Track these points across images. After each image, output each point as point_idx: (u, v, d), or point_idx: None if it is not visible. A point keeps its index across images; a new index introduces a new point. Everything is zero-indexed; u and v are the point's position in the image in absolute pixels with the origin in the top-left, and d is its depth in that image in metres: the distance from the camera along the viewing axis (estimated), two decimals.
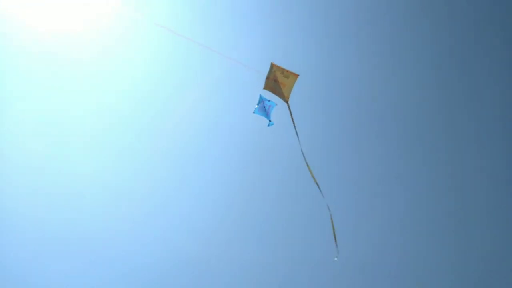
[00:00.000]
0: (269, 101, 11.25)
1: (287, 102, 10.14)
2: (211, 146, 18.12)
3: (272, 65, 9.96)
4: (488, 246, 16.79)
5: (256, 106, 11.25)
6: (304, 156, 10.18)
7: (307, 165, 10.26)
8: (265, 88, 10.25)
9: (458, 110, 17.59)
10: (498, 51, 17.24)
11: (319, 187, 10.18)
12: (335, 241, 10.01)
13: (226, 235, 17.37)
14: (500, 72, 17.18)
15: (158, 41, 17.34)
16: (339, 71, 17.35)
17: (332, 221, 10.10)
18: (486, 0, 17.24)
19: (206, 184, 18.13)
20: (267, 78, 10.01)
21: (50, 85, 17.09)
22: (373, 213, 17.61)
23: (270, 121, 11.33)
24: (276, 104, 11.11)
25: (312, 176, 10.22)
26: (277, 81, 10.04)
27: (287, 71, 9.86)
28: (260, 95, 11.33)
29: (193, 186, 18.00)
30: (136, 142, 17.63)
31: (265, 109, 11.21)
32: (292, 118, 10.24)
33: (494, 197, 17.22)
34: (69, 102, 17.24)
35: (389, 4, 17.45)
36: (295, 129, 10.25)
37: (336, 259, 10.00)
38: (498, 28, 17.18)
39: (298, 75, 9.86)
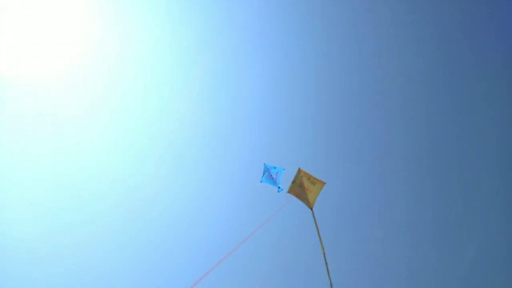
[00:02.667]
0: (275, 168, 11.49)
1: (311, 208, 9.98)
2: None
3: (299, 170, 10.25)
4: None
5: (262, 175, 11.49)
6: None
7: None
8: (289, 192, 10.37)
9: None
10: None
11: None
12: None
13: None
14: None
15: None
16: None
17: None
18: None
19: None
20: (293, 182, 10.27)
21: None
22: None
23: (279, 187, 11.38)
24: (283, 169, 11.39)
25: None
26: (303, 186, 10.04)
27: (314, 178, 10.07)
28: (264, 164, 11.58)
29: None
30: None
31: (272, 177, 11.39)
32: (316, 225, 10.08)
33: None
34: None
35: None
36: (319, 237, 9.94)
37: None
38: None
39: (325, 183, 10.01)
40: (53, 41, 17.15)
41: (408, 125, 18.46)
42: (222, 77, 18.46)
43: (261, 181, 11.42)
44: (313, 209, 9.88)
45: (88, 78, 17.78)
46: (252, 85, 18.82)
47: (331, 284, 9.75)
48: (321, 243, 9.73)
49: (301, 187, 10.00)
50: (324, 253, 9.70)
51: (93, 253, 17.17)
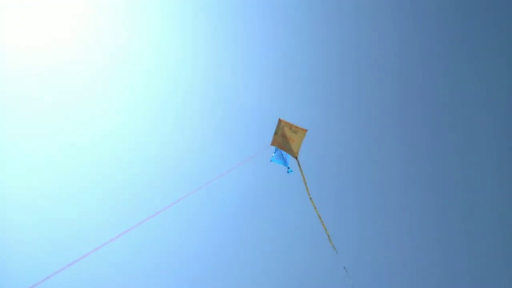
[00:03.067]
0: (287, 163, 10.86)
1: (296, 157, 9.84)
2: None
3: (279, 121, 9.88)
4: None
5: (273, 154, 10.69)
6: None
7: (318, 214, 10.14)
8: (272, 144, 10.02)
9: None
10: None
11: (328, 235, 10.37)
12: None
13: None
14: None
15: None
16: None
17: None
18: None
19: None
20: (275, 133, 9.91)
21: None
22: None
23: (288, 168, 10.66)
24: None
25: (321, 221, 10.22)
26: (285, 137, 9.81)
27: (296, 126, 9.77)
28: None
29: None
30: None
31: (283, 157, 10.66)
32: (302, 173, 10.03)
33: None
34: None
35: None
36: (305, 184, 10.04)
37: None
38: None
39: (306, 130, 9.72)
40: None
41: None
42: None
43: (270, 160, 10.67)
44: (298, 158, 9.69)
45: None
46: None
47: (328, 236, 10.15)
48: (308, 193, 9.99)
49: (283, 138, 9.79)
50: (313, 205, 9.91)
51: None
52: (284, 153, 10.52)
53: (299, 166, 9.88)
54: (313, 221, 10.49)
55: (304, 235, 17.49)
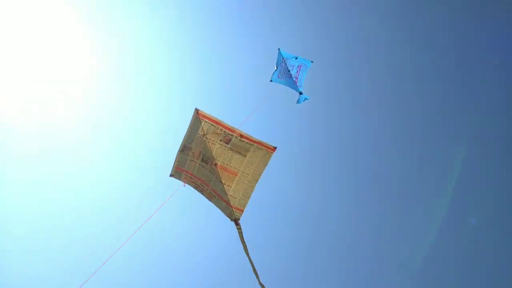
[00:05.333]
0: (296, 58, 7.17)
1: (234, 220, 5.25)
2: None
3: (197, 114, 4.80)
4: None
5: (275, 68, 6.98)
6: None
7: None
8: (183, 180, 5.15)
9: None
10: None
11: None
12: None
13: None
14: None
15: None
16: None
17: None
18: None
19: None
20: (183, 150, 5.12)
21: None
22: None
23: (301, 93, 6.96)
24: (312, 62, 7.13)
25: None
26: (211, 160, 5.01)
27: (247, 136, 4.89)
28: (279, 49, 7.16)
29: None
30: None
31: (290, 74, 6.84)
32: (246, 250, 5.49)
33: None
34: None
35: None
36: (253, 269, 5.52)
37: None
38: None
39: (274, 149, 4.99)
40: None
41: None
42: None
43: (270, 80, 7.31)
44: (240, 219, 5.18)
45: None
46: None
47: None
48: (258, 279, 5.49)
49: (206, 163, 4.89)
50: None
51: None
52: (291, 66, 7.02)
53: (241, 236, 5.22)
54: None
55: None
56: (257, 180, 4.89)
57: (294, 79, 7.02)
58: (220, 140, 4.64)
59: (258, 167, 4.91)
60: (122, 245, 5.14)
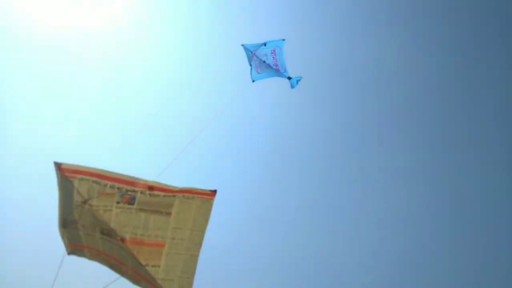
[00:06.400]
0: (265, 45, 6.23)
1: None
2: None
3: (59, 169, 3.31)
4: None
5: (250, 66, 6.27)
6: None
7: None
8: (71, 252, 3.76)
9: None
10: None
11: None
12: None
13: None
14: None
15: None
16: None
17: None
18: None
19: None
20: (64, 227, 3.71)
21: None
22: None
23: (289, 78, 6.22)
24: (284, 40, 6.12)
25: None
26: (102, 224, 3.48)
27: (163, 187, 3.63)
28: (242, 45, 6.38)
29: None
30: None
31: (268, 64, 6.12)
32: None
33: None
34: None
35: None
36: None
37: None
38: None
39: (213, 196, 3.54)
40: None
41: None
42: None
43: (252, 80, 6.47)
44: None
45: None
46: None
47: None
48: None
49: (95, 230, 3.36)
50: None
51: None
52: (263, 54, 6.19)
53: None
54: None
55: None
56: (200, 244, 3.33)
57: (274, 67, 6.15)
58: (117, 202, 2.92)
59: (195, 225, 3.30)
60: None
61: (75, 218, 3.04)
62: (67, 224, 3.18)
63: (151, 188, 3.04)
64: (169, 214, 3.09)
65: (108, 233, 3.04)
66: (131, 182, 3.10)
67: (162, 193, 3.09)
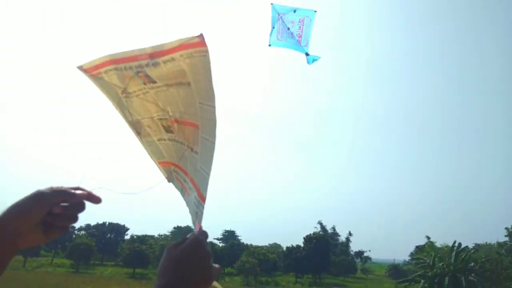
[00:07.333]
0: (295, 11, 5.80)
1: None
2: None
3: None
4: None
5: (272, 28, 5.82)
6: None
7: None
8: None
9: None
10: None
11: None
12: None
13: None
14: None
15: None
16: None
17: None
18: None
19: None
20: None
21: None
22: None
23: (307, 54, 5.78)
24: (316, 12, 5.72)
25: None
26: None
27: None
28: (272, 4, 5.87)
29: None
30: None
31: (291, 32, 5.75)
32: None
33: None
34: None
35: None
36: None
37: None
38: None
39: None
40: None
41: None
42: None
43: (269, 44, 5.95)
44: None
45: None
46: None
47: None
48: None
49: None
50: None
51: None
52: (290, 23, 5.74)
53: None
54: None
55: None
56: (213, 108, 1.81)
57: (297, 37, 5.62)
58: (144, 84, 2.01)
59: (202, 84, 1.81)
60: None
61: (134, 119, 2.19)
62: (137, 129, 2.14)
63: (151, 55, 2.05)
64: (189, 84, 2.08)
65: (165, 126, 2.03)
66: (135, 57, 2.05)
67: (160, 59, 2.03)
